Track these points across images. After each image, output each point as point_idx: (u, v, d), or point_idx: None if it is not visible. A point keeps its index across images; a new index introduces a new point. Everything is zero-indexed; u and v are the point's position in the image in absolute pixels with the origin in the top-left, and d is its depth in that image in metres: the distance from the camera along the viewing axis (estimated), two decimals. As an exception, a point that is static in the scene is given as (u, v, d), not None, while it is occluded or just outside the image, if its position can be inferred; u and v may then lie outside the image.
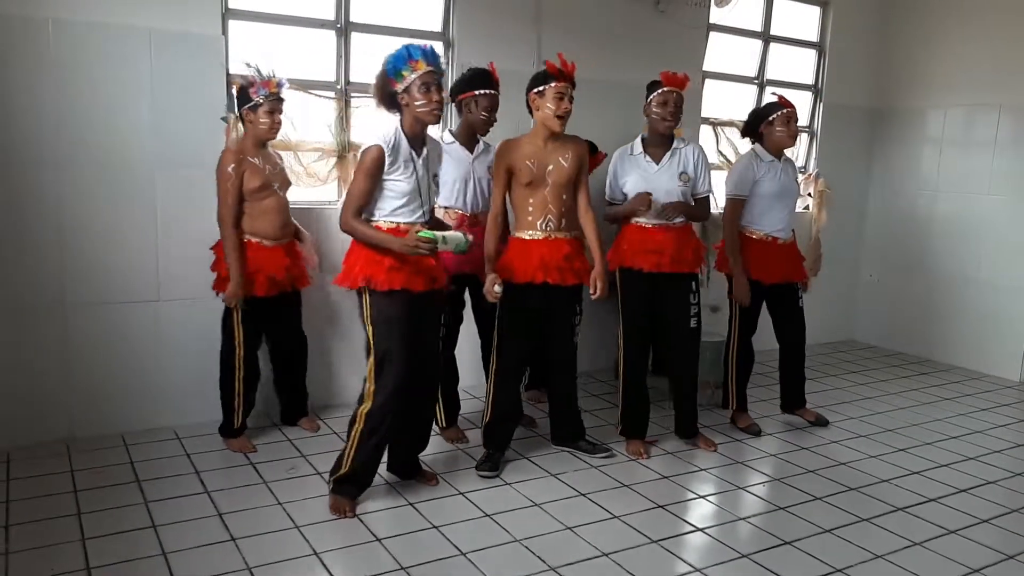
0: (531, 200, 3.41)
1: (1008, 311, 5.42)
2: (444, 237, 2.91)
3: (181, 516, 3.00)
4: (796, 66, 5.85)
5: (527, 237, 3.45)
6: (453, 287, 3.66)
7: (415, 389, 3.20)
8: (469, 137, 3.71)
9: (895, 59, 6.03)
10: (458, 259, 3.45)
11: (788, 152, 4.18)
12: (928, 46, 5.83)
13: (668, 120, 3.66)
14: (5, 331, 3.51)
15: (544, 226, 3.43)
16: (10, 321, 3.51)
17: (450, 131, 3.77)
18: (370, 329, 3.03)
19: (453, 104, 3.75)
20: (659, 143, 3.75)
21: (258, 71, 3.47)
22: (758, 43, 5.61)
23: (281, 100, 3.52)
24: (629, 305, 3.78)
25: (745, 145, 5.21)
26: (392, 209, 3.00)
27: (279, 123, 3.53)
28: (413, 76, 2.91)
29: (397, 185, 2.97)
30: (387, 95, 2.99)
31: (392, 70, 2.93)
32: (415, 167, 3.00)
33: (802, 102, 5.75)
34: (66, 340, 3.61)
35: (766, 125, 4.02)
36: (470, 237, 3.02)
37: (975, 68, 5.54)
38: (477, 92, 3.61)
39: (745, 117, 4.26)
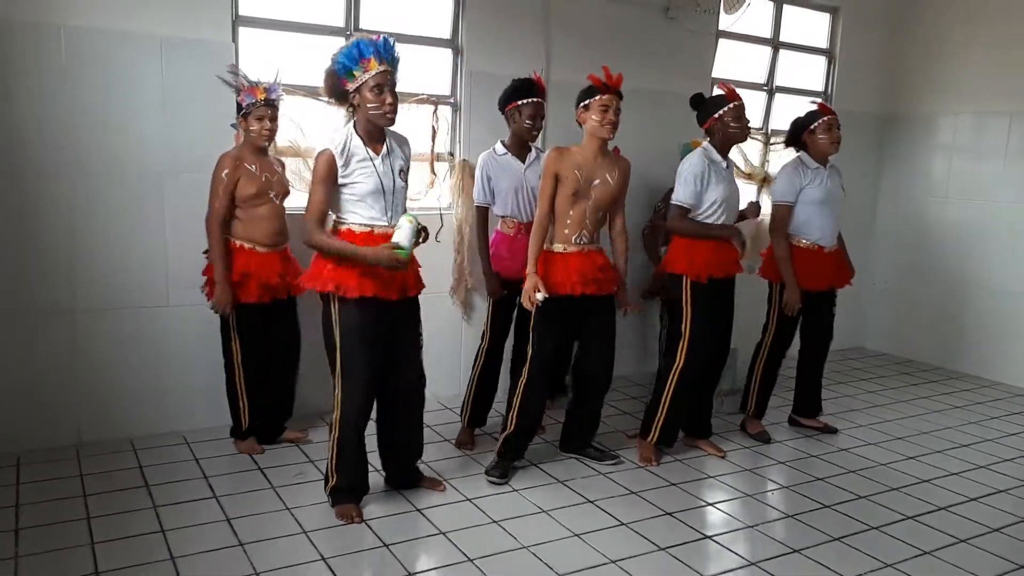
0: (571, 212, 3.38)
1: (1019, 318, 5.39)
2: (405, 249, 2.84)
3: (190, 521, 3.01)
4: (806, 73, 5.84)
5: (562, 250, 3.42)
6: (506, 291, 3.72)
7: (393, 397, 3.15)
8: (520, 147, 3.75)
9: (905, 65, 6.01)
10: (515, 266, 3.48)
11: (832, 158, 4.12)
12: (938, 52, 5.81)
13: (748, 130, 3.72)
14: (15, 335, 3.52)
15: (578, 240, 3.42)
16: (20, 325, 3.52)
17: (502, 143, 3.78)
18: (338, 334, 2.94)
19: (503, 115, 3.77)
20: (725, 153, 3.72)
21: (245, 78, 3.44)
22: (767, 50, 5.61)
23: (271, 106, 3.46)
24: (706, 315, 3.66)
25: (749, 149, 5.25)
26: (359, 213, 2.91)
27: (269, 129, 3.47)
28: (365, 76, 2.78)
29: (356, 188, 2.88)
30: (338, 93, 2.88)
31: (342, 69, 2.80)
32: (374, 167, 2.90)
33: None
34: (75, 345, 3.63)
35: (808, 133, 4.02)
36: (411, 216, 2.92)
37: (986, 75, 5.52)
38: (520, 102, 3.65)
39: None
